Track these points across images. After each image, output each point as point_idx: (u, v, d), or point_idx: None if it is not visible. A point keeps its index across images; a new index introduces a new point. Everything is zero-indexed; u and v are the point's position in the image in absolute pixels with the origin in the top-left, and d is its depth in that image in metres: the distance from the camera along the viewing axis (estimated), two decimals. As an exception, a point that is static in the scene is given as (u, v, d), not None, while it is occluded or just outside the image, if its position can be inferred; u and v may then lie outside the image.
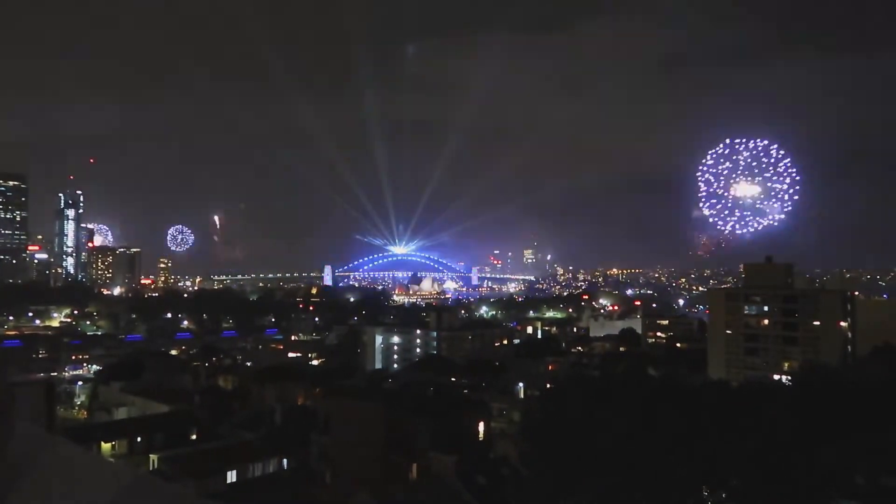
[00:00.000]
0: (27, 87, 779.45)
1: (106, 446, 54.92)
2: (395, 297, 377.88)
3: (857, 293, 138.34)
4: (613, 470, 47.03)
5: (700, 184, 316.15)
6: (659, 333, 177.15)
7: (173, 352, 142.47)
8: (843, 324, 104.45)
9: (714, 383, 73.15)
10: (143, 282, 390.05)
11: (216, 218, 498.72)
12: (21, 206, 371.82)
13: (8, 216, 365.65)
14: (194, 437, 58.46)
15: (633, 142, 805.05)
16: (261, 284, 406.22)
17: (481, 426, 67.35)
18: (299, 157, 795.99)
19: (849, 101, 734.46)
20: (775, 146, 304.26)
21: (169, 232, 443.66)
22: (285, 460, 53.19)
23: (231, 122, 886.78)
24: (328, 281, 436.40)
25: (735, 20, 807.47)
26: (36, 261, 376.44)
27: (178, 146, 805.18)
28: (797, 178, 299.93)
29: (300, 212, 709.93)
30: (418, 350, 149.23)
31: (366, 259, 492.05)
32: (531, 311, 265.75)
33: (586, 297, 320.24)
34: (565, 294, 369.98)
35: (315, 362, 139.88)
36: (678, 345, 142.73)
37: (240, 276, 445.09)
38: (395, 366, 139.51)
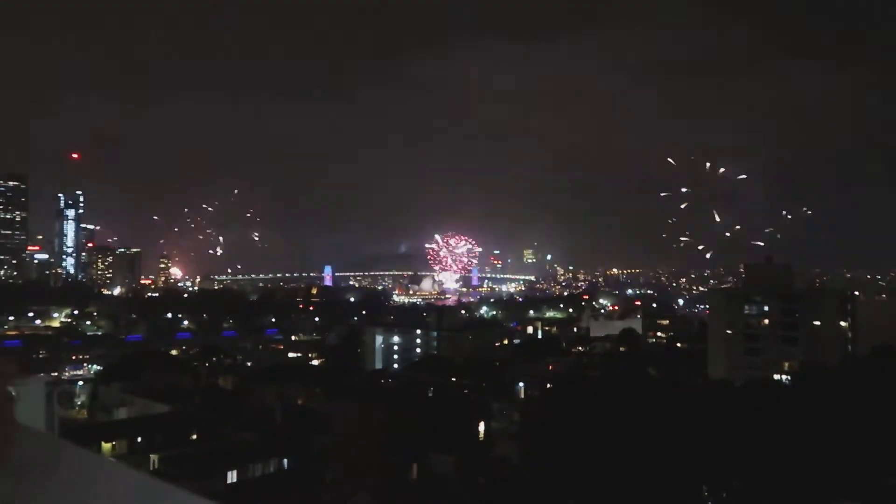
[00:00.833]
0: (27, 88, 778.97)
1: (106, 446, 54.90)
2: (395, 297, 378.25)
3: (857, 293, 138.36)
4: (613, 470, 47.05)
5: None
6: (659, 333, 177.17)
7: (173, 352, 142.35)
8: (843, 324, 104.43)
9: (714, 383, 73.22)
10: (142, 282, 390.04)
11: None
12: (21, 206, 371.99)
13: (8, 216, 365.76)
14: (194, 437, 58.44)
15: (633, 142, 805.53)
16: (261, 284, 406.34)
17: (481, 426, 67.32)
18: (299, 157, 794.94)
19: (850, 101, 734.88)
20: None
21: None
22: (285, 460, 53.16)
23: (232, 123, 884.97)
24: (328, 281, 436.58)
25: (730, 27, 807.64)
26: (36, 261, 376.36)
27: (172, 149, 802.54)
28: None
29: (300, 212, 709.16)
30: (418, 350, 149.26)
31: (365, 259, 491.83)
32: (531, 312, 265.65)
33: (586, 297, 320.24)
34: (565, 294, 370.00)
35: (315, 362, 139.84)
36: (678, 345, 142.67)
37: (240, 276, 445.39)
38: (395, 366, 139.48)
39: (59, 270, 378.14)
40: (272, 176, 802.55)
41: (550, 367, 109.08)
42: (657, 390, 61.13)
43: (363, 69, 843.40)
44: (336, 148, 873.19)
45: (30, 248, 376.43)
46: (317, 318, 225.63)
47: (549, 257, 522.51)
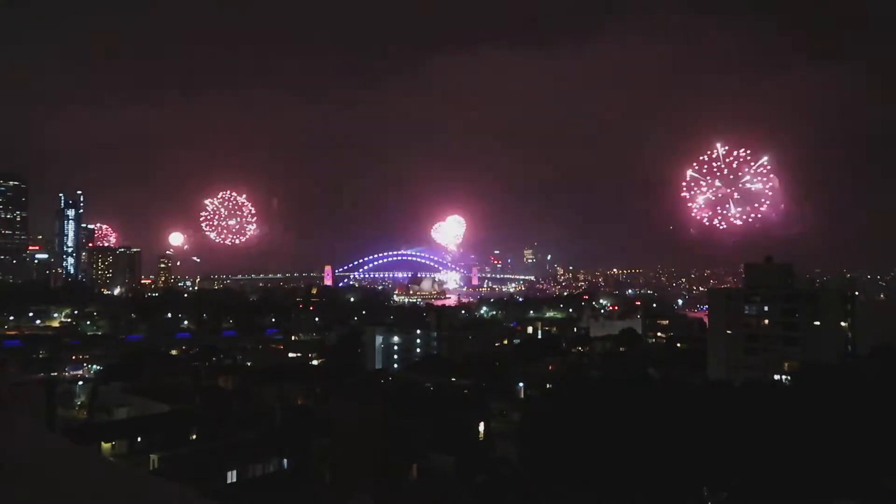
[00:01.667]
0: (27, 87, 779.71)
1: (106, 446, 54.91)
2: (395, 297, 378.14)
3: (857, 293, 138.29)
4: (613, 470, 47.06)
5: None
6: (659, 333, 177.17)
7: (173, 352, 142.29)
8: (843, 324, 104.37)
9: (714, 383, 73.17)
10: (143, 281, 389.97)
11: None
12: (21, 206, 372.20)
13: (8, 216, 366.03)
14: (194, 437, 58.44)
15: (634, 143, 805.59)
16: (261, 284, 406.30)
17: (481, 426, 67.27)
18: (299, 158, 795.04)
19: (850, 101, 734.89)
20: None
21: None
22: (285, 460, 53.16)
23: (232, 123, 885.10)
24: (328, 281, 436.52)
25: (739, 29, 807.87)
26: (36, 261, 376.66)
27: (174, 150, 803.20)
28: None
29: (299, 212, 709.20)
30: (418, 350, 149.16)
31: (366, 259, 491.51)
32: (531, 311, 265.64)
33: (586, 297, 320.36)
34: (565, 294, 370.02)
35: (315, 362, 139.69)
36: (678, 345, 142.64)
37: (240, 276, 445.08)
38: (395, 366, 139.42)
39: (59, 270, 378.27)
40: (272, 176, 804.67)
41: (550, 367, 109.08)
42: (657, 390, 61.15)
43: (363, 69, 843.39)
44: (336, 148, 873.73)
45: (30, 248, 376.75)
46: (317, 318, 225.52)
47: (549, 257, 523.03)
